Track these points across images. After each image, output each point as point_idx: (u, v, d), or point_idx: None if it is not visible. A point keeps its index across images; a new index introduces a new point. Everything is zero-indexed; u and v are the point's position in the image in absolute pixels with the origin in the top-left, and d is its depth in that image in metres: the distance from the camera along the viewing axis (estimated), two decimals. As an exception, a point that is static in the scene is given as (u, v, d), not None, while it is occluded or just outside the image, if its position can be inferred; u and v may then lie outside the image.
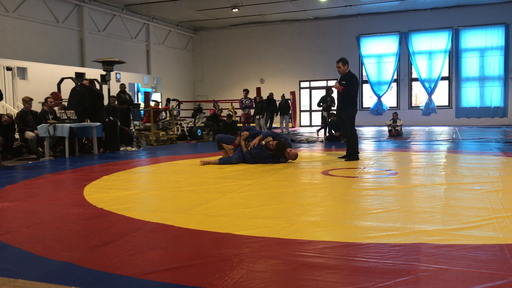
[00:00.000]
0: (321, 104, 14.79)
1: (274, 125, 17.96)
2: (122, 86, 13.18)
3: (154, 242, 3.14)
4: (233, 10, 20.38)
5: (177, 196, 4.84)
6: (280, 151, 7.40)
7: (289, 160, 7.56)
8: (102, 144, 10.47)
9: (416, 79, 22.00)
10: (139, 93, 18.23)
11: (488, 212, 3.75)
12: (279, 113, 17.79)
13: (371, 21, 22.09)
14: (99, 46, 18.07)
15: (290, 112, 18.35)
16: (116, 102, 11.91)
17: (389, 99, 22.61)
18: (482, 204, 4.05)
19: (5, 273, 2.54)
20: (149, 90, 18.64)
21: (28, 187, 5.76)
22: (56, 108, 10.70)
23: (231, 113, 15.13)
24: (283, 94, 18.33)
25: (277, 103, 17.86)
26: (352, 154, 7.79)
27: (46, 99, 10.41)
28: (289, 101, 18.52)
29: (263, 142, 7.39)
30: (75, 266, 2.64)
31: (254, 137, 7.68)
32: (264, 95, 18.10)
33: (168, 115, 15.20)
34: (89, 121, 10.43)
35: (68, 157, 9.23)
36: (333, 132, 12.78)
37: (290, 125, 18.90)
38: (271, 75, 24.05)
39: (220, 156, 7.68)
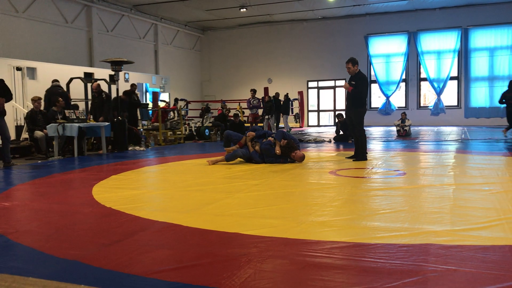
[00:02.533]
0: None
1: (280, 125, 17.94)
2: (134, 86, 13.08)
3: (162, 241, 3.16)
4: (241, 10, 20.39)
5: (185, 195, 4.86)
6: (288, 149, 7.41)
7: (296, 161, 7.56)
8: (110, 143, 10.53)
9: (424, 79, 21.87)
10: (147, 93, 18.30)
11: (497, 212, 3.72)
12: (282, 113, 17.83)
13: (379, 20, 22.00)
14: (108, 46, 18.16)
15: (292, 112, 18.34)
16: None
17: (398, 99, 22.50)
18: (491, 204, 4.03)
19: (15, 271, 2.56)
20: (157, 90, 18.70)
21: (37, 186, 5.81)
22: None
23: (238, 113, 15.15)
24: (286, 94, 18.32)
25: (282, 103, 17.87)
26: (360, 154, 7.77)
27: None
28: (290, 101, 18.49)
29: (278, 152, 7.40)
30: (84, 264, 2.66)
31: (261, 137, 7.69)
32: (272, 95, 18.10)
33: (176, 115, 15.26)
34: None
35: (77, 157, 9.29)
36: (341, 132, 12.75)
37: (297, 124, 18.84)
38: (278, 75, 24.03)
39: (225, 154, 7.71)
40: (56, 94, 10.48)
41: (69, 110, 9.84)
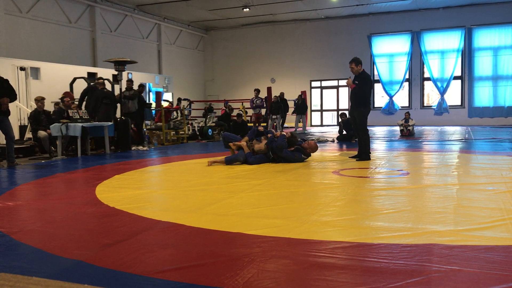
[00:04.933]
0: None
1: (286, 124, 17.93)
2: (141, 87, 13.00)
3: (165, 241, 3.16)
4: (244, 9, 20.38)
5: (188, 195, 4.86)
6: (294, 138, 7.57)
7: (306, 160, 7.56)
8: (113, 143, 10.56)
9: (428, 79, 21.81)
10: (151, 93, 18.32)
11: (501, 212, 3.71)
12: (295, 113, 17.79)
13: (382, 20, 21.95)
14: (111, 46, 18.19)
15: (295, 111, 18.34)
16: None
17: (401, 99, 22.46)
18: (495, 204, 4.01)
19: (19, 271, 2.57)
20: (161, 90, 18.72)
21: (41, 186, 5.82)
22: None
23: (241, 112, 15.15)
24: (300, 94, 18.28)
25: (288, 102, 17.82)
26: (364, 154, 7.76)
27: (62, 98, 10.51)
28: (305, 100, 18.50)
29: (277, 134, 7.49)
30: (87, 264, 2.67)
31: (258, 136, 7.68)
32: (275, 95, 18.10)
33: (179, 114, 15.27)
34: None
35: (80, 156, 9.31)
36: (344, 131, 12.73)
37: (300, 124, 18.83)
38: (282, 74, 24.02)
39: (227, 155, 7.65)
40: (102, 95, 10.59)
41: (72, 110, 9.87)
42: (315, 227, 3.42)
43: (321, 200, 4.41)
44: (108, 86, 11.95)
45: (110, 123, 10.24)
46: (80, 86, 12.50)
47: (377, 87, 22.44)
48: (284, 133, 7.56)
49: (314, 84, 23.77)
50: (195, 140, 14.57)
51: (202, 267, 2.58)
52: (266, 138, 7.55)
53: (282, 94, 17.57)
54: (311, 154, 7.81)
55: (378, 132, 16.38)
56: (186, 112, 16.38)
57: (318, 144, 8.42)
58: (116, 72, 11.24)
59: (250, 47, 24.63)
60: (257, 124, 16.00)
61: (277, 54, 24.12)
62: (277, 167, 6.95)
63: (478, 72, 20.99)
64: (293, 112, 18.08)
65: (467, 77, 21.10)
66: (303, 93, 21.32)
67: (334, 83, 23.25)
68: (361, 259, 2.68)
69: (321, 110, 23.91)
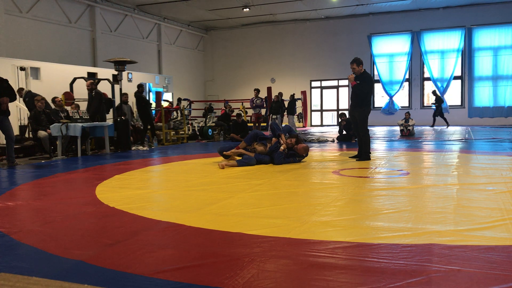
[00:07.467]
0: None
1: (282, 124, 17.90)
2: (141, 87, 12.97)
3: (166, 241, 3.16)
4: (244, 9, 20.39)
5: (188, 195, 4.86)
6: (298, 143, 7.52)
7: (302, 160, 7.53)
8: (113, 143, 10.58)
9: (428, 79, 21.82)
10: (151, 93, 18.32)
11: (501, 212, 3.71)
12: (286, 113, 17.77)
13: (382, 20, 21.96)
14: (111, 46, 18.19)
15: (296, 111, 18.24)
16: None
17: (401, 99, 22.46)
18: (495, 204, 4.01)
19: (19, 271, 2.57)
20: (161, 90, 18.72)
21: (40, 186, 5.82)
22: (69, 108, 10.81)
23: (241, 112, 15.15)
24: (292, 94, 18.28)
25: (286, 103, 17.82)
26: (364, 154, 7.75)
27: (53, 98, 10.51)
28: (296, 100, 18.41)
29: (284, 146, 7.34)
30: (87, 264, 2.67)
31: (262, 139, 7.60)
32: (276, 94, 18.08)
33: (179, 114, 15.27)
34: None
35: (80, 157, 9.31)
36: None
37: (300, 124, 18.79)
38: (281, 74, 24.02)
39: (238, 158, 7.50)
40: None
41: (72, 110, 9.87)
42: (315, 227, 3.42)
43: (321, 200, 4.40)
44: (108, 86, 11.96)
45: (110, 123, 10.24)
46: (80, 86, 12.51)
47: (377, 87, 22.41)
48: (283, 148, 7.37)
49: (314, 84, 23.77)
50: (195, 140, 14.57)
51: (202, 267, 2.58)
52: (271, 142, 7.52)
53: (280, 94, 17.52)
54: (308, 154, 7.79)
55: (378, 132, 16.38)
56: (186, 112, 16.38)
57: (318, 144, 8.37)
58: (116, 72, 11.24)
59: (250, 47, 24.63)
60: (256, 124, 16.01)
61: (277, 54, 24.12)
62: (277, 167, 6.95)
63: (478, 72, 21.00)
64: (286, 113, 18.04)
65: (467, 77, 21.11)
66: (303, 93, 21.35)
67: (334, 83, 23.25)
68: (361, 259, 2.68)
69: (321, 110, 23.90)
